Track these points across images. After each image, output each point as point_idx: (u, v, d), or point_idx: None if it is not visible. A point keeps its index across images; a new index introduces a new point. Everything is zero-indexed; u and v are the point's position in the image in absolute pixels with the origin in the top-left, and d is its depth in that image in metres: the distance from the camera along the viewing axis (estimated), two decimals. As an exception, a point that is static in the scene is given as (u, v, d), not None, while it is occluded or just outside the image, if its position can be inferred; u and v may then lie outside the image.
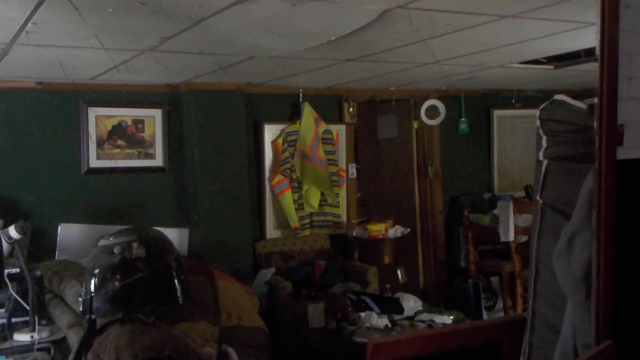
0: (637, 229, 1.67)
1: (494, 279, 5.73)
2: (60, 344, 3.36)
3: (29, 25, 2.85)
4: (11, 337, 3.36)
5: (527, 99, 6.35)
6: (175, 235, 4.88)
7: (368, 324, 4.10)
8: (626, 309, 1.65)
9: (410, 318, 4.32)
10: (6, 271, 3.45)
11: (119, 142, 4.87)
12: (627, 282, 1.65)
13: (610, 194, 1.57)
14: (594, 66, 1.63)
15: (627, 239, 1.63)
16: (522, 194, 5.98)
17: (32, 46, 3.30)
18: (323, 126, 5.50)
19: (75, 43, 3.27)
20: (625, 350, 1.62)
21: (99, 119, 4.78)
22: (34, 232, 4.25)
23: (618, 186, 1.58)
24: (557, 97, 1.94)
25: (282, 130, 5.39)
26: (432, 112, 5.91)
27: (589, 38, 3.41)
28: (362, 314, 4.23)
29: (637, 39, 1.59)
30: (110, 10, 2.65)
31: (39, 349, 3.26)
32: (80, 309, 2.25)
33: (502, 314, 5.58)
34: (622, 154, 1.60)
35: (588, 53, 4.22)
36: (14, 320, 3.44)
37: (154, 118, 4.98)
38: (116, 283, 2.17)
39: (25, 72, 4.17)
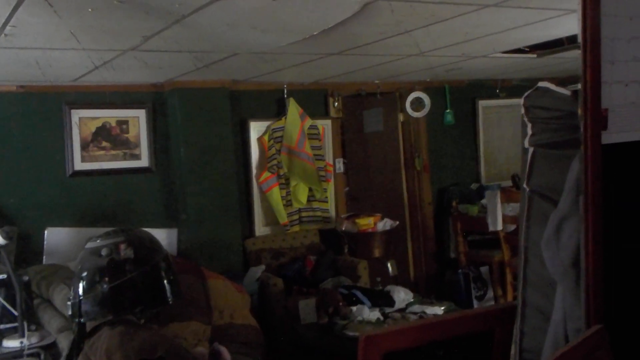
0: (624, 213, 1.68)
1: (484, 269, 5.75)
2: (51, 349, 3.33)
3: (8, 27, 2.81)
4: (0, 343, 3.33)
5: (511, 89, 6.38)
6: (164, 236, 4.85)
7: (360, 318, 4.10)
8: (616, 293, 1.66)
9: (401, 310, 4.32)
10: (-7, 277, 3.42)
11: (104, 143, 4.83)
12: (615, 266, 1.65)
13: (596, 179, 1.57)
14: (577, 53, 1.64)
15: (614, 223, 1.63)
16: (509, 183, 6.01)
17: (12, 49, 3.26)
18: (309, 121, 5.49)
19: (56, 44, 3.24)
20: (615, 334, 1.63)
21: (82, 120, 4.74)
22: (20, 237, 4.21)
23: (604, 170, 1.59)
24: (541, 84, 1.94)
25: (268, 127, 5.37)
26: (418, 104, 5.92)
27: (571, 25, 3.42)
28: (354, 308, 4.23)
29: (619, 23, 1.60)
30: (90, 10, 2.62)
31: (29, 355, 3.23)
32: (70, 312, 2.23)
33: (492, 303, 5.61)
34: (607, 138, 1.61)
35: (570, 40, 4.24)
36: (2, 326, 3.42)
37: (138, 118, 4.95)
38: (105, 285, 2.15)
39: (6, 75, 4.13)
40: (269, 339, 4.18)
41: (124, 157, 4.91)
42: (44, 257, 4.52)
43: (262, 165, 5.37)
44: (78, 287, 2.19)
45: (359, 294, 4.46)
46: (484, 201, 5.59)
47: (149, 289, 2.21)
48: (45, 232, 4.56)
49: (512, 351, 1.97)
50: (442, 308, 4.25)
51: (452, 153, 6.32)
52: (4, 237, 3.40)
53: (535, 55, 4.79)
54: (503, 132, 6.51)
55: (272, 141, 5.34)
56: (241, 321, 3.92)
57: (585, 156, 1.58)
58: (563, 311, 1.77)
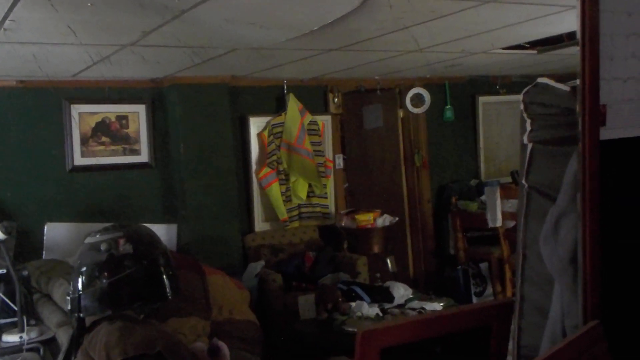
0: (621, 209, 1.68)
1: (483, 265, 5.75)
2: (50, 344, 3.34)
3: (7, 22, 2.81)
4: (0, 338, 3.34)
5: (511, 85, 6.38)
6: (164, 231, 4.86)
7: (359, 314, 4.11)
8: (612, 289, 1.66)
9: (401, 306, 4.33)
10: (-8, 272, 3.42)
11: (104, 138, 4.84)
12: (613, 262, 1.65)
13: (594, 175, 1.57)
14: (577, 50, 1.63)
15: (612, 219, 1.63)
16: (508, 179, 6.02)
17: (11, 44, 3.25)
18: (308, 117, 5.49)
19: (55, 40, 3.23)
20: (612, 330, 1.63)
21: (82, 116, 4.74)
22: (20, 232, 4.21)
23: (602, 167, 1.59)
24: (540, 80, 1.93)
25: (268, 123, 5.37)
26: (417, 100, 5.91)
27: (571, 22, 3.40)
28: (353, 304, 4.24)
29: (618, 19, 1.60)
30: (89, 4, 2.61)
31: (28, 350, 3.24)
32: (69, 307, 2.23)
33: (492, 299, 5.61)
34: (606, 134, 1.61)
35: (570, 37, 4.23)
36: (2, 321, 3.43)
37: (138, 114, 4.95)
38: (104, 280, 2.15)
39: (6, 70, 4.12)
40: (268, 334, 4.19)
41: (124, 153, 4.91)
42: (44, 252, 4.53)
43: (261, 161, 5.37)
44: (77, 282, 2.19)
45: (358, 289, 4.46)
46: (483, 197, 5.59)
47: (148, 285, 2.21)
48: (45, 227, 4.56)
49: (510, 347, 1.97)
50: (441, 304, 4.26)
51: (451, 149, 6.32)
52: (3, 232, 3.40)
53: (535, 52, 4.78)
54: (503, 129, 6.51)
55: (271, 137, 5.34)
56: (240, 317, 3.93)
57: (583, 152, 1.58)
58: (561, 307, 1.78)
